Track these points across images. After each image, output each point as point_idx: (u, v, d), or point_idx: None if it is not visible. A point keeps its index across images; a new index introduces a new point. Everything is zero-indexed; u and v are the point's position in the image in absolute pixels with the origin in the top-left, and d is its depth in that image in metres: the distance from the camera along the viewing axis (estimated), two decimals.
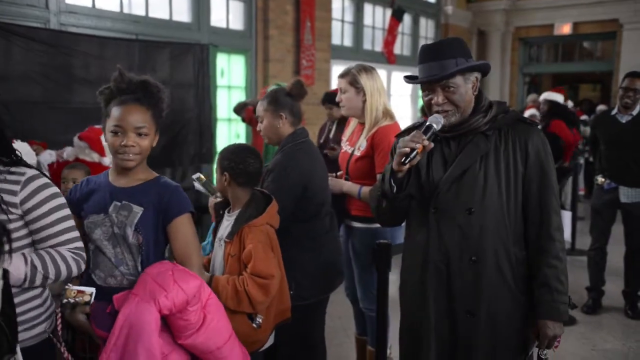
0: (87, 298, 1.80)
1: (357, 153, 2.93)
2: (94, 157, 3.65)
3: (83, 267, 1.77)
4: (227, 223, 2.31)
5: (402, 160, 1.81)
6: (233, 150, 2.33)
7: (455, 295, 1.92)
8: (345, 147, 3.08)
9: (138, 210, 1.86)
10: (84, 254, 1.77)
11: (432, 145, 1.84)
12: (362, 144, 2.91)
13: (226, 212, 2.40)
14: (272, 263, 2.20)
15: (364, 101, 2.90)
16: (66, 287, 1.81)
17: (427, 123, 1.86)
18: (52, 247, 1.72)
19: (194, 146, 5.86)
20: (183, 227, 1.90)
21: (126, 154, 1.83)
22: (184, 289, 1.75)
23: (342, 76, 2.96)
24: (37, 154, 3.99)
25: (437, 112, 1.89)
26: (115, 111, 1.83)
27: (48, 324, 1.79)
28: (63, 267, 1.71)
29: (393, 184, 1.90)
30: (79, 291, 1.80)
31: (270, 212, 2.27)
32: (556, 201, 1.92)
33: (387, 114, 2.94)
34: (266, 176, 2.58)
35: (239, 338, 2.04)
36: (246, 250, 2.17)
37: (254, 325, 2.20)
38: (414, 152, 1.79)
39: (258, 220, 2.22)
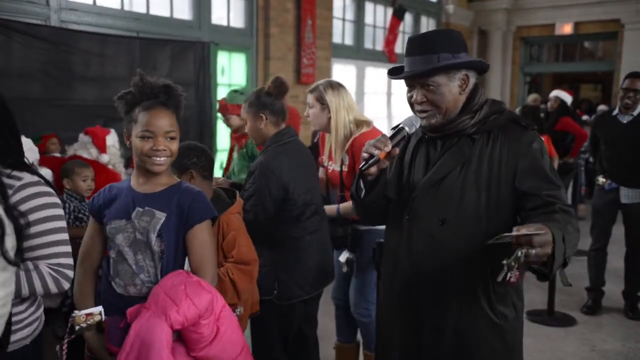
0: (97, 318, 1.77)
1: (345, 168, 2.91)
2: (93, 152, 3.65)
3: (64, 285, 1.70)
4: None
5: (361, 165, 1.70)
6: (187, 148, 2.30)
7: (423, 309, 1.78)
8: (331, 166, 3.03)
9: (161, 216, 1.84)
10: (66, 272, 1.70)
11: (397, 150, 1.73)
12: (345, 158, 2.89)
13: None
14: (252, 248, 2.23)
15: (329, 118, 2.88)
16: (73, 314, 1.77)
17: (400, 126, 1.74)
18: (34, 259, 1.65)
19: None
20: (201, 234, 1.87)
21: (157, 158, 1.81)
22: (195, 303, 1.71)
23: (310, 91, 2.95)
24: (53, 151, 4.02)
25: (418, 110, 1.75)
26: (143, 116, 1.81)
27: (30, 330, 1.75)
28: (38, 285, 1.64)
29: (362, 187, 1.80)
30: (87, 315, 1.76)
31: (239, 201, 2.32)
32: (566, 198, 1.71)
33: (362, 123, 2.90)
34: (248, 177, 2.57)
35: None
36: (229, 238, 2.17)
37: (236, 313, 2.18)
38: (374, 158, 1.67)
39: (233, 208, 2.26)
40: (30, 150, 3.10)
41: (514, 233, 1.40)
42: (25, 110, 4.38)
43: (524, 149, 1.69)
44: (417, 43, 1.73)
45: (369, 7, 8.83)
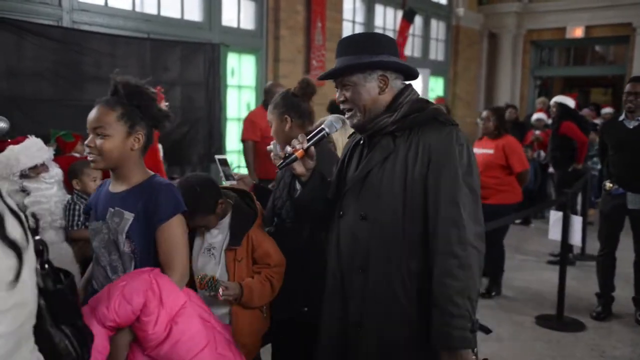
0: None
1: None
2: None
3: None
4: (217, 231, 2.19)
5: (279, 164, 1.76)
6: (211, 186, 2.15)
7: (348, 306, 1.81)
8: None
9: (129, 217, 1.80)
10: None
11: (313, 150, 1.79)
12: None
13: None
14: (278, 249, 2.23)
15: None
16: None
17: (322, 125, 1.82)
18: None
19: (203, 145, 5.88)
20: (169, 230, 1.80)
21: (89, 154, 1.81)
22: (128, 300, 1.67)
23: None
24: (81, 151, 4.03)
25: (342, 109, 1.83)
26: None
27: None
28: None
29: (297, 187, 1.85)
30: None
31: (261, 211, 2.28)
32: (462, 212, 1.64)
33: None
34: (278, 184, 2.48)
35: (256, 333, 2.10)
36: (260, 251, 2.16)
37: (264, 314, 2.23)
38: (292, 157, 1.74)
39: (259, 220, 2.23)
40: (41, 149, 3.11)
41: None
42: (35, 109, 4.42)
43: (440, 141, 1.69)
44: (343, 45, 1.81)
45: (379, 9, 8.83)
